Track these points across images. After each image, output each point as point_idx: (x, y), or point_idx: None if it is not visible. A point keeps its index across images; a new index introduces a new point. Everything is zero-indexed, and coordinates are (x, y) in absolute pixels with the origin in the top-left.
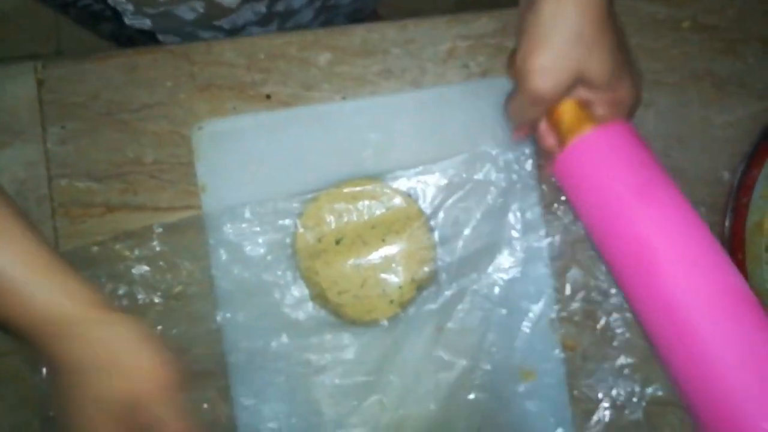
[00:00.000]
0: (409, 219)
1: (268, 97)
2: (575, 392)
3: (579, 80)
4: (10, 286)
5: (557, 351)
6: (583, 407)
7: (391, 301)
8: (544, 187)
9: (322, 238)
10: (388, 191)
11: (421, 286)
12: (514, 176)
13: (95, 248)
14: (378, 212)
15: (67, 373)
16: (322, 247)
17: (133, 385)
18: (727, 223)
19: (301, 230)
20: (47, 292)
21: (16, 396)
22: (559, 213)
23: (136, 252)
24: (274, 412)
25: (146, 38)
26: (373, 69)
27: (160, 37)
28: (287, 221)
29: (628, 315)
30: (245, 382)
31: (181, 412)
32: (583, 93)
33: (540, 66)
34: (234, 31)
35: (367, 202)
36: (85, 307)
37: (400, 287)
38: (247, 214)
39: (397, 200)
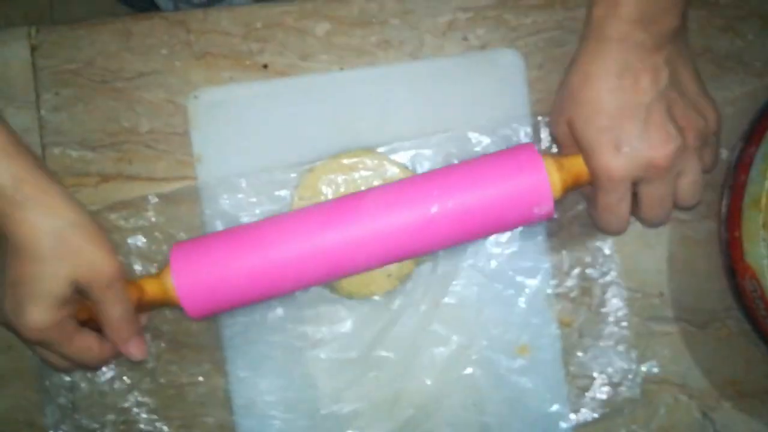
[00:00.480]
0: None
1: (265, 66)
2: (571, 368)
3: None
4: None
5: (553, 327)
6: (579, 384)
7: (389, 275)
8: None
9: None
10: (385, 162)
11: (420, 260)
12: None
13: None
14: (375, 183)
15: (16, 256)
16: None
17: (76, 270)
18: (724, 201)
19: (297, 201)
20: None
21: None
22: None
23: (131, 222)
24: (270, 386)
25: None
26: (371, 40)
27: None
28: (283, 192)
29: (625, 291)
30: (240, 355)
31: (122, 296)
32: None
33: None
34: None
35: (364, 173)
36: (17, 182)
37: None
38: (243, 185)
39: (395, 171)
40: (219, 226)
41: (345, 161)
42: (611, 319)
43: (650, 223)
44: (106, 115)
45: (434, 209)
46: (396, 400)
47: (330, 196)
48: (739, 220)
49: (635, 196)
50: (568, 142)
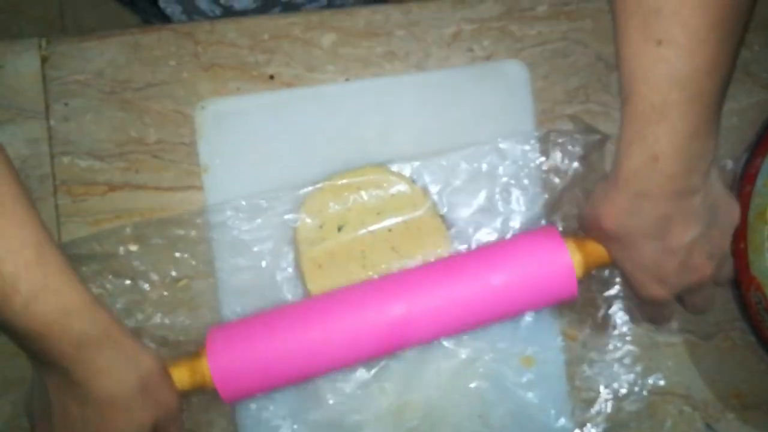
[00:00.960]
0: (415, 206)
1: (272, 77)
2: (576, 382)
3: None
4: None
5: (558, 340)
6: (584, 397)
7: None
8: (546, 178)
9: (323, 225)
10: (393, 177)
11: None
12: (519, 166)
13: (96, 246)
14: (383, 199)
15: (96, 406)
16: (323, 234)
17: (156, 414)
18: None
19: (303, 218)
20: (61, 308)
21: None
22: (563, 202)
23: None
24: (273, 399)
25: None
26: (377, 51)
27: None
28: (288, 206)
29: (629, 303)
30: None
31: (182, 424)
32: None
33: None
34: (229, 11)
35: (372, 192)
36: (105, 331)
37: None
38: (249, 203)
39: (402, 188)
40: (224, 243)
41: (351, 180)
42: (616, 331)
43: (695, 314)
44: (114, 125)
45: (463, 293)
46: (401, 412)
47: (336, 211)
48: (744, 232)
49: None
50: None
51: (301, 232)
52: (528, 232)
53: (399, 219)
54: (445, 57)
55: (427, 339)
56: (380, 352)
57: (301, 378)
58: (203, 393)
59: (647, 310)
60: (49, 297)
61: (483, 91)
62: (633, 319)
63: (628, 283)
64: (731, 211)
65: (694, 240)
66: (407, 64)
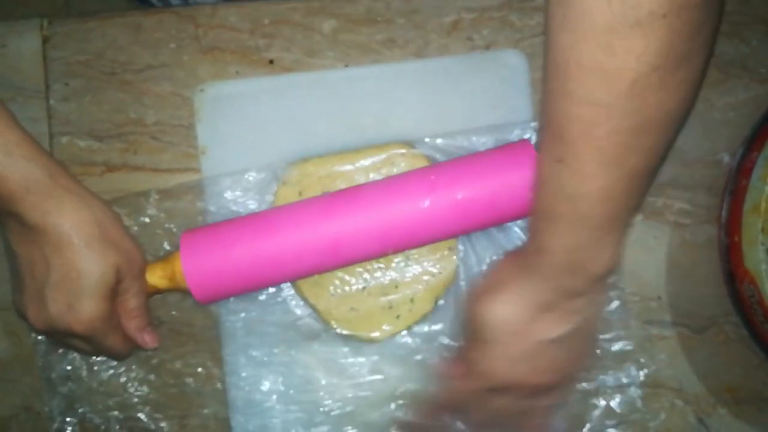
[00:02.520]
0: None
1: (271, 62)
2: None
3: None
4: None
5: None
6: (578, 390)
7: (398, 316)
8: None
9: (304, 191)
10: (403, 151)
11: (438, 295)
12: None
13: None
14: (372, 176)
15: (59, 250)
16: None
17: (118, 260)
18: (724, 206)
19: (282, 186)
20: (3, 151)
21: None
22: None
23: (134, 216)
24: (266, 379)
25: None
26: (377, 38)
27: None
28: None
29: (623, 295)
30: (240, 350)
31: (145, 287)
32: None
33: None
34: None
35: (369, 160)
36: (51, 176)
37: (412, 300)
38: (246, 180)
39: (402, 151)
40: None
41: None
42: (609, 322)
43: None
44: (113, 106)
45: (427, 201)
46: (393, 395)
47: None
48: (739, 225)
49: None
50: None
51: (280, 198)
52: (499, 147)
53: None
54: (444, 45)
55: (391, 248)
56: (347, 258)
57: (269, 281)
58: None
59: (460, 390)
60: None
61: (482, 80)
62: None
63: (468, 344)
64: (589, 348)
65: (553, 343)
66: (407, 52)
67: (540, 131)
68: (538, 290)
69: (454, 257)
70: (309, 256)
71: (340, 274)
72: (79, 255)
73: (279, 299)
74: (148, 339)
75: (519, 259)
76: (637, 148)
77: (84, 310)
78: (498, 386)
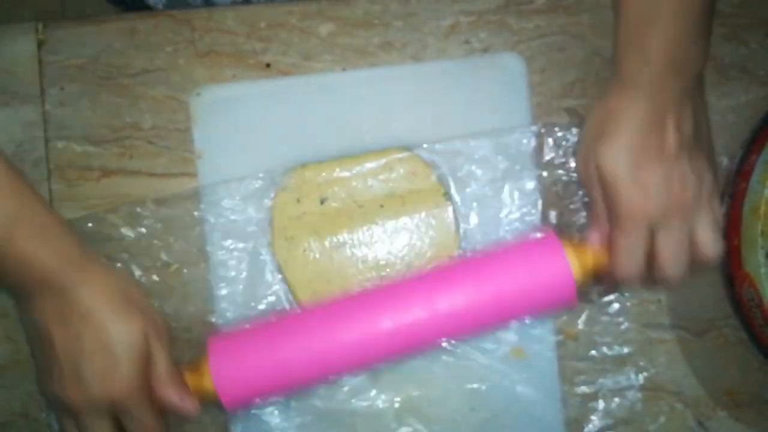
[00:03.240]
0: (423, 191)
1: (268, 65)
2: (568, 377)
3: None
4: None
5: (550, 335)
6: (576, 392)
7: None
8: (544, 173)
9: (302, 197)
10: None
11: None
12: (514, 159)
13: (90, 225)
14: (381, 177)
15: (89, 323)
16: (302, 209)
17: (145, 325)
18: (724, 209)
19: (281, 192)
20: (38, 232)
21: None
22: (559, 193)
23: (131, 226)
24: None
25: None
26: (374, 41)
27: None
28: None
29: (622, 298)
30: None
31: (170, 349)
32: None
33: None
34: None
35: (368, 165)
36: (80, 251)
37: None
38: (244, 187)
39: (403, 156)
40: (217, 226)
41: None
42: (608, 326)
43: (669, 278)
44: (109, 110)
45: (460, 300)
46: (395, 404)
47: (320, 183)
48: (738, 229)
49: (653, 256)
50: (593, 182)
51: (276, 210)
52: (528, 240)
53: (394, 188)
54: (442, 49)
55: (421, 349)
56: (376, 361)
57: (301, 386)
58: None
59: (620, 244)
60: (27, 224)
61: (479, 83)
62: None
63: (607, 198)
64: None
65: (680, 150)
66: (404, 55)
67: None
68: (645, 110)
69: None
70: (343, 362)
71: None
72: (110, 323)
73: None
74: (189, 405)
75: (613, 93)
76: None
77: (122, 374)
78: (654, 220)
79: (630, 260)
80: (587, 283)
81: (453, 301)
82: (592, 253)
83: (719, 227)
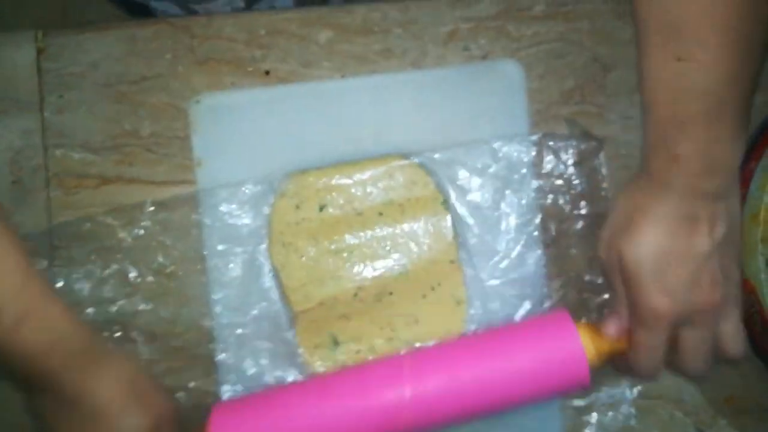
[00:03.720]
0: (422, 199)
1: (267, 73)
2: None
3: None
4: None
5: None
6: (574, 402)
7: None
8: (542, 183)
9: (301, 204)
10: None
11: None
12: (512, 168)
13: (88, 224)
14: (380, 184)
15: (97, 419)
16: (301, 215)
17: (153, 416)
18: None
19: (280, 198)
20: (47, 328)
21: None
22: (558, 203)
23: (128, 227)
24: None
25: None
26: (373, 48)
27: (153, 3)
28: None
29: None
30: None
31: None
32: None
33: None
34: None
35: (367, 173)
36: (89, 345)
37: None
38: (243, 193)
39: (401, 164)
40: (217, 232)
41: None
42: None
43: (690, 372)
44: (108, 117)
45: (469, 379)
46: None
47: (319, 189)
48: None
49: (675, 346)
50: (615, 271)
51: (276, 210)
52: (539, 319)
53: (393, 196)
54: (441, 55)
55: (428, 426)
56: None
57: None
58: None
59: (640, 341)
60: (35, 319)
61: (479, 90)
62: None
63: (629, 293)
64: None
65: (711, 252)
66: (404, 62)
67: (641, 43)
68: (676, 208)
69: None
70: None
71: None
72: (118, 421)
73: None
74: None
75: (643, 186)
76: (751, 17)
77: None
78: (677, 320)
79: (649, 357)
80: (602, 361)
81: (460, 385)
82: (609, 339)
83: (742, 324)
